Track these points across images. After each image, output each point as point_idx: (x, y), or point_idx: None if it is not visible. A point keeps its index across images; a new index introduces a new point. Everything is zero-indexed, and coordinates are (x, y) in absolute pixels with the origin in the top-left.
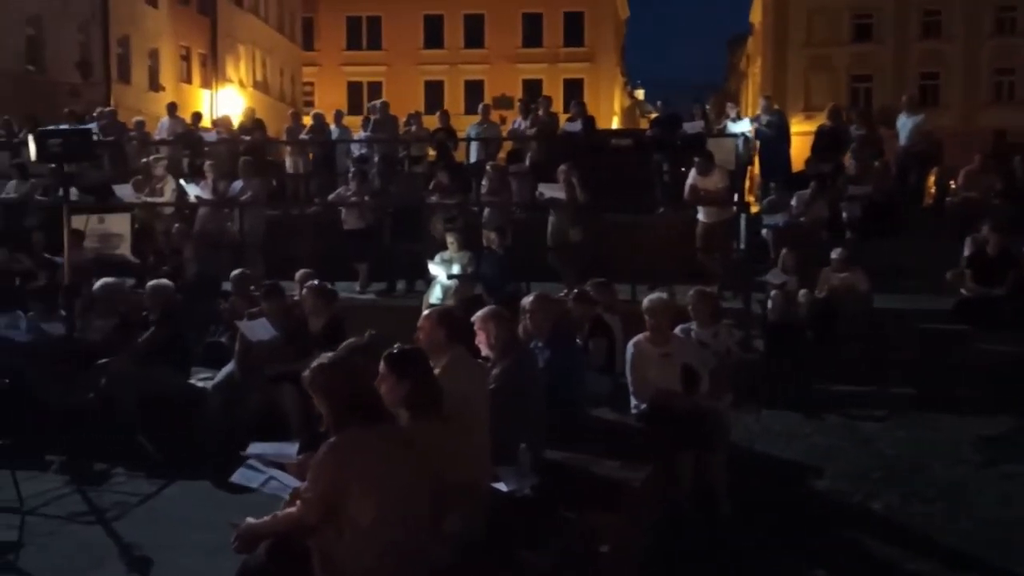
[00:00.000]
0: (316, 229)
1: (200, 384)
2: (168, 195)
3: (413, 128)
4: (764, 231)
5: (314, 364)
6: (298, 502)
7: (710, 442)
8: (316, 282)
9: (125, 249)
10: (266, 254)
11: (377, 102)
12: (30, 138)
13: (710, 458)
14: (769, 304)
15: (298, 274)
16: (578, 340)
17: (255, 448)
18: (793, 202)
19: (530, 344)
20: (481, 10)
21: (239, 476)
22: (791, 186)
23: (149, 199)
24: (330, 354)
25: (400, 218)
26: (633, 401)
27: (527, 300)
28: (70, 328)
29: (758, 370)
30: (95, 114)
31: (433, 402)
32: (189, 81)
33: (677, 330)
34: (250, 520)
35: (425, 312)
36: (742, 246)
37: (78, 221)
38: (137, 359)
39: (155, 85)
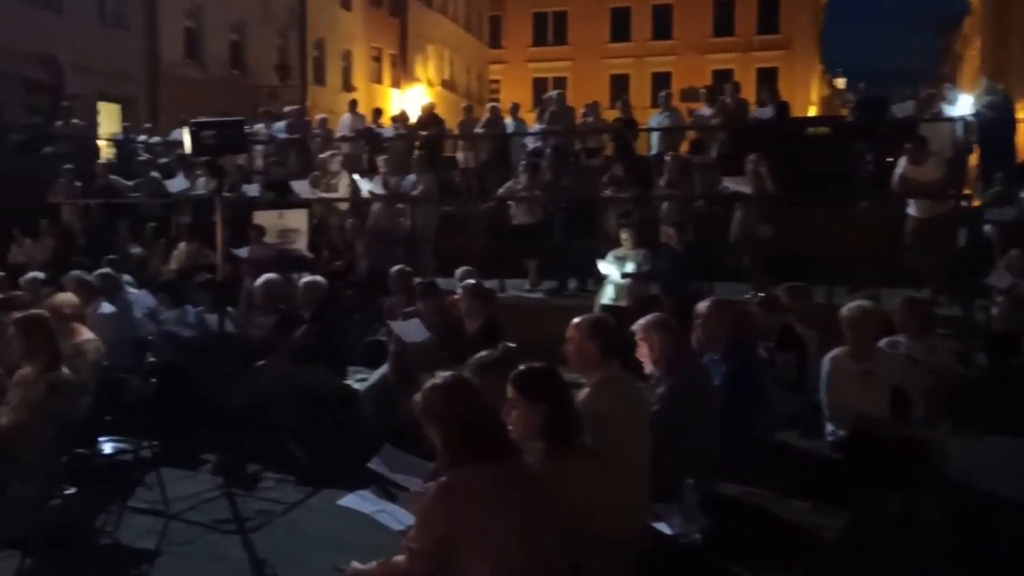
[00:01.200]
0: (487, 225)
1: (356, 385)
2: (342, 191)
3: (590, 119)
4: (988, 227)
5: (426, 385)
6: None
7: (923, 479)
8: (472, 281)
9: (302, 244)
10: (438, 250)
11: (553, 93)
12: (185, 131)
13: (922, 498)
14: (994, 311)
15: (458, 271)
16: (763, 352)
17: (383, 460)
18: (1023, 194)
19: (703, 357)
20: (669, 0)
21: (350, 501)
22: (1021, 176)
23: (324, 195)
24: (446, 373)
25: (572, 213)
26: (828, 427)
27: (702, 305)
28: (235, 324)
29: (981, 389)
30: (283, 112)
31: (574, 431)
32: (379, 81)
33: (883, 343)
34: (355, 566)
35: (575, 321)
36: (961, 244)
37: (260, 217)
38: (291, 358)
39: (348, 86)
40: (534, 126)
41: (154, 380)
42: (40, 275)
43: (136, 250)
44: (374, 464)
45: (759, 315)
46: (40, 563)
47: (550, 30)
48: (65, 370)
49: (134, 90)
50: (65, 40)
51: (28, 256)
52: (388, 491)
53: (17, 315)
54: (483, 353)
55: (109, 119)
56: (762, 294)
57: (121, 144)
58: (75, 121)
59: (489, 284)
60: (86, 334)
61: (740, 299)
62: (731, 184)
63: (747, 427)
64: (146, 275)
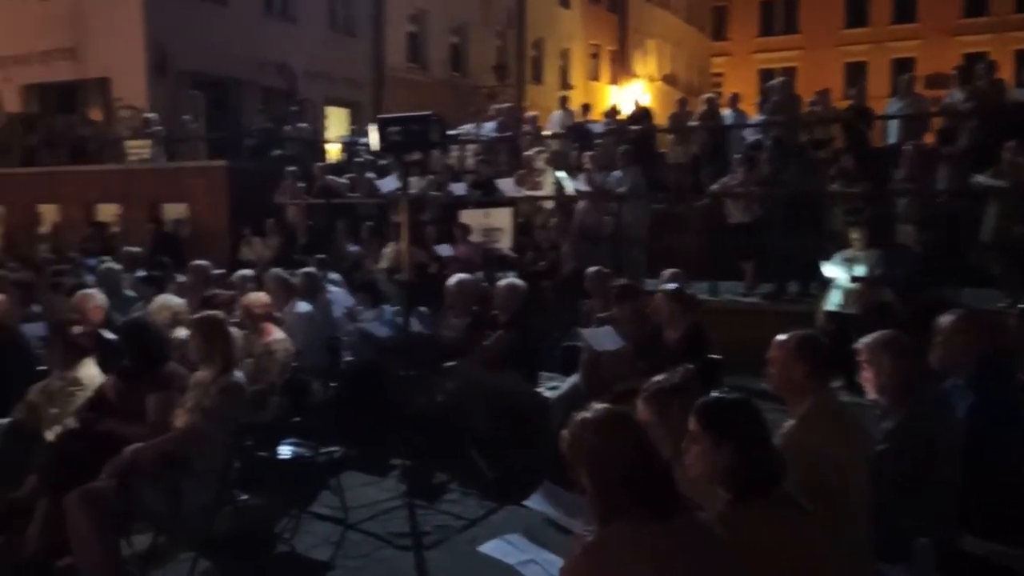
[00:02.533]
0: (701, 223)
1: (548, 394)
2: (547, 188)
3: (818, 108)
4: None
5: (577, 419)
6: None
7: None
8: (672, 285)
9: (506, 243)
10: (649, 250)
11: (776, 81)
12: (372, 127)
13: None
14: None
15: (664, 273)
16: (1022, 376)
17: (543, 497)
18: None
19: (944, 382)
20: None
21: (493, 548)
22: None
23: (529, 193)
24: (600, 405)
25: (794, 210)
26: None
27: (944, 318)
28: (428, 325)
29: None
30: (492, 110)
31: (770, 478)
32: (597, 78)
33: None
34: None
35: (779, 338)
36: None
37: (466, 216)
38: (483, 362)
39: (565, 84)
40: (754, 117)
41: (334, 384)
42: (249, 272)
43: (353, 249)
44: (532, 502)
45: (1016, 330)
46: (214, 568)
47: (779, 18)
48: (239, 373)
49: (360, 94)
50: (299, 48)
51: (256, 254)
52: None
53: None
54: (658, 377)
55: (337, 123)
56: (1022, 305)
57: (348, 146)
58: (302, 125)
59: (701, 287)
60: (276, 334)
61: (992, 309)
62: (984, 178)
63: (1001, 469)
64: (362, 274)
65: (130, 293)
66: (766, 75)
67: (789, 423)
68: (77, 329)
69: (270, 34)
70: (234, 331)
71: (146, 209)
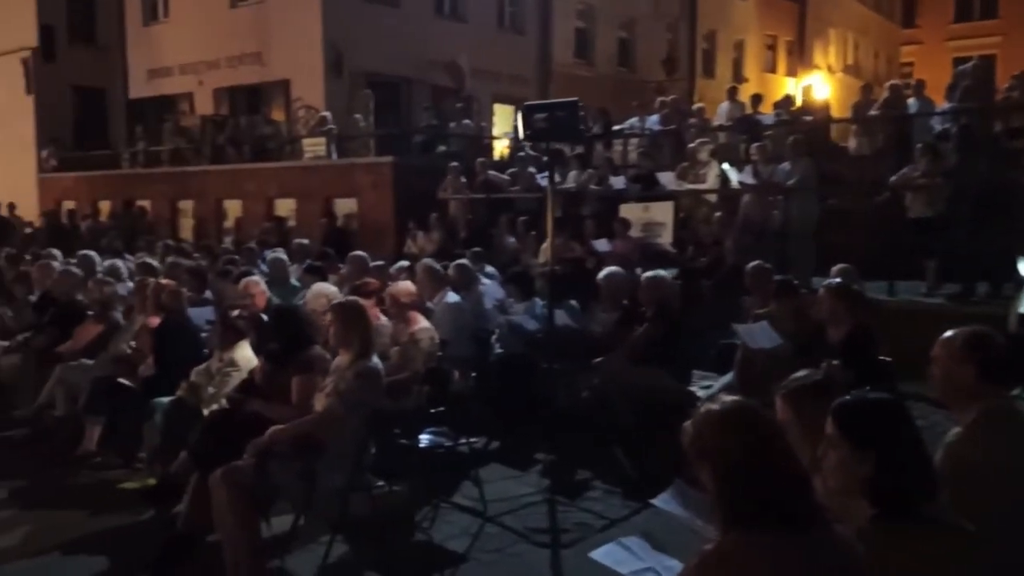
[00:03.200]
0: (879, 219)
1: (700, 392)
2: (711, 182)
3: (1015, 94)
4: None
5: (701, 410)
6: None
7: None
8: (836, 280)
9: (666, 238)
10: (819, 247)
11: (967, 64)
12: (518, 115)
13: None
14: None
15: (834, 270)
16: None
17: (673, 496)
18: None
19: None
20: None
21: (606, 554)
22: None
23: (691, 186)
24: (731, 397)
25: (984, 203)
26: None
27: None
28: (576, 319)
29: None
30: (657, 103)
31: (922, 494)
32: (773, 71)
33: None
34: None
35: (945, 336)
36: None
37: (626, 210)
38: (629, 357)
39: (738, 77)
40: (942, 105)
41: (480, 375)
42: (405, 263)
43: (511, 243)
44: (660, 501)
45: None
46: (350, 552)
47: (977, 3)
48: (376, 359)
49: (526, 91)
50: (467, 47)
51: (420, 248)
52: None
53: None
54: (799, 373)
55: (504, 120)
56: None
57: (512, 141)
58: (466, 122)
59: (878, 286)
60: (422, 323)
61: None
62: None
63: None
64: (520, 268)
65: (296, 282)
66: (961, 64)
67: (954, 431)
68: (235, 313)
69: (440, 33)
70: (382, 320)
71: (320, 204)
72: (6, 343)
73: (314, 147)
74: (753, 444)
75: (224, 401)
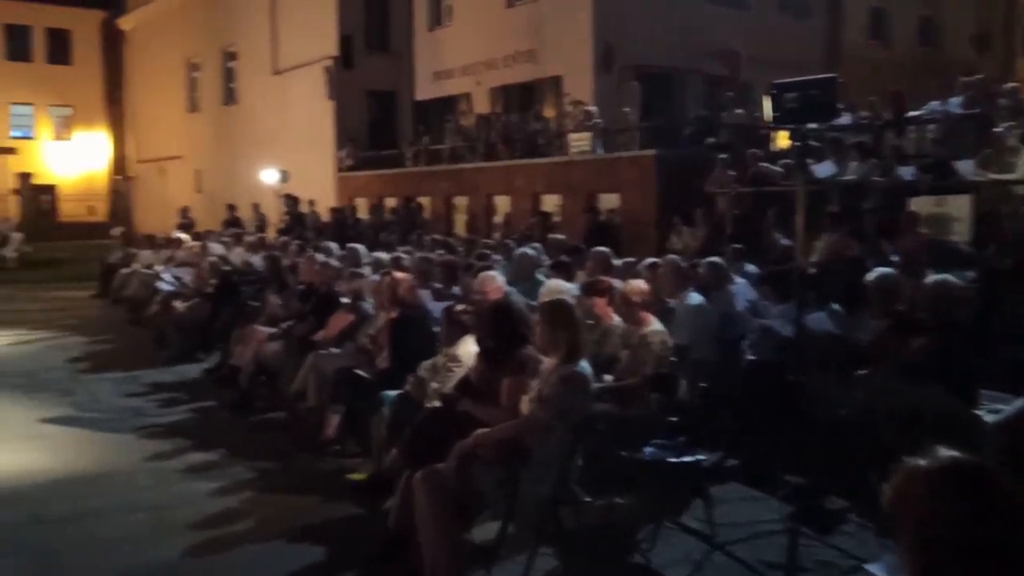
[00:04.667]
0: None
1: (987, 417)
2: (1021, 171)
3: None
4: None
5: (908, 465)
6: None
7: None
8: None
9: (962, 235)
10: None
11: None
12: (766, 97)
13: None
14: None
15: None
16: None
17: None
18: None
19: None
20: None
21: None
22: None
23: (996, 176)
24: (950, 453)
25: None
26: None
27: None
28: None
29: None
30: (960, 84)
31: None
32: None
33: None
34: None
35: None
36: None
37: (916, 203)
38: (901, 371)
39: None
40: None
41: (714, 383)
42: (651, 261)
43: (782, 240)
44: (876, 569)
45: None
46: (558, 568)
47: None
48: (584, 363)
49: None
50: (744, 33)
51: (684, 244)
52: None
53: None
54: None
55: None
56: None
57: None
58: (738, 111)
59: None
60: (654, 325)
61: None
62: None
63: None
64: (781, 268)
65: (542, 278)
66: None
67: None
68: (460, 308)
69: (715, 21)
70: (614, 320)
71: (584, 199)
72: (273, 330)
73: (579, 142)
74: (971, 517)
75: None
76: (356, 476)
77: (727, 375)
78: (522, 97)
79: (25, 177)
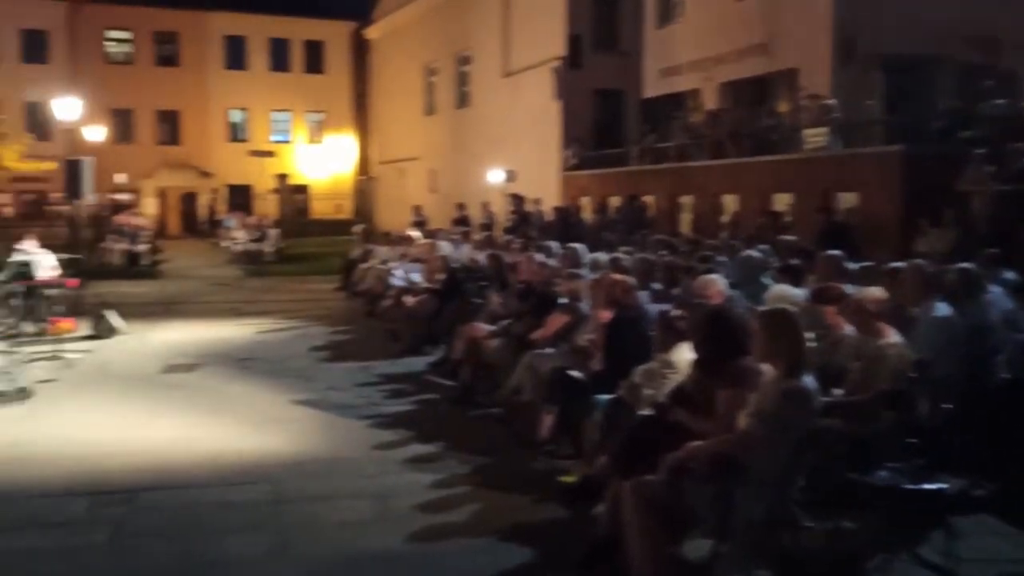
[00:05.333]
0: None
1: None
2: None
3: None
4: None
5: None
6: None
7: None
8: None
9: None
10: None
11: None
12: None
13: None
14: None
15: None
16: None
17: None
18: None
19: None
20: None
21: None
22: None
23: None
24: None
25: None
26: None
27: None
28: None
29: None
30: None
31: None
32: None
33: None
34: None
35: None
36: None
37: None
38: None
39: None
40: None
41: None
42: (897, 266)
43: None
44: None
45: None
46: None
47: None
48: (808, 378)
49: None
50: (1004, 16)
51: (930, 248)
52: None
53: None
54: None
55: None
56: None
57: None
58: (998, 102)
59: None
60: (892, 336)
61: None
62: None
63: None
64: None
65: (768, 282)
66: None
67: None
68: (676, 312)
69: (970, 3)
70: (845, 330)
71: (818, 198)
72: (493, 327)
73: (815, 138)
74: None
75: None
76: (567, 478)
77: (976, 394)
78: (753, 92)
79: (282, 178)
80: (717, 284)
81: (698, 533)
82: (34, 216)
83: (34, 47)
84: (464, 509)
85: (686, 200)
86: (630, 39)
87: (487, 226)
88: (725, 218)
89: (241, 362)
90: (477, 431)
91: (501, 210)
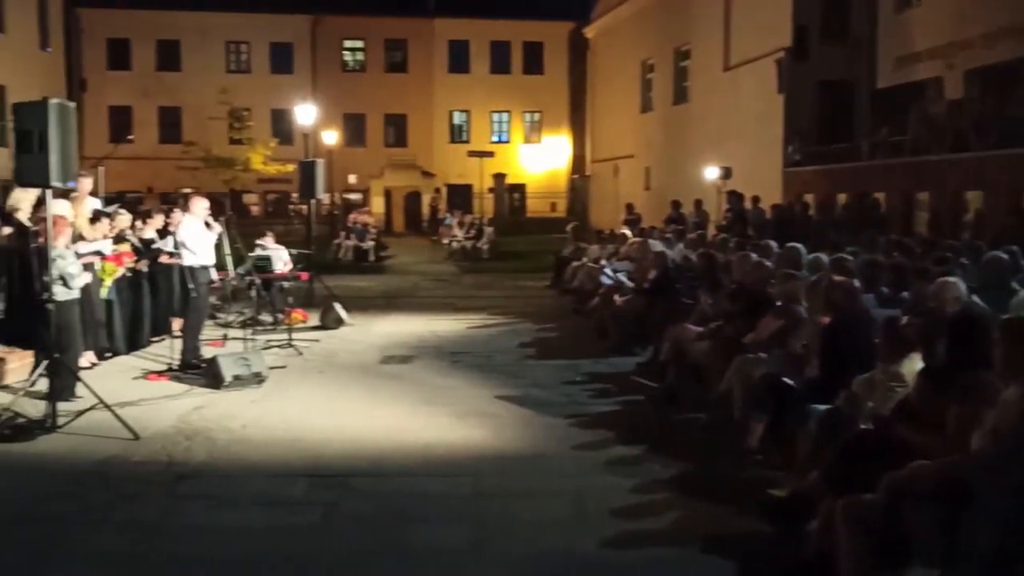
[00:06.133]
0: None
1: None
2: None
3: None
4: None
5: None
6: None
7: None
8: None
9: None
10: None
11: None
12: None
13: None
14: None
15: None
16: None
17: None
18: None
19: None
20: None
21: None
22: None
23: None
24: None
25: None
26: None
27: None
28: None
29: None
30: None
31: None
32: None
33: None
34: None
35: None
36: None
37: None
38: None
39: None
40: None
41: None
42: None
43: None
44: None
45: None
46: None
47: None
48: None
49: None
50: None
51: None
52: None
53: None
54: None
55: None
56: None
57: None
58: None
59: None
60: None
61: None
62: None
63: None
64: None
65: (1017, 287)
66: None
67: None
68: (904, 320)
69: None
70: None
71: None
72: (701, 329)
73: None
74: None
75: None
76: (776, 492)
77: None
78: (1003, 79)
79: (499, 177)
80: (955, 288)
81: (917, 562)
82: (278, 215)
83: (280, 58)
84: (663, 516)
85: (922, 197)
86: (862, 26)
87: (701, 224)
88: (968, 217)
89: (452, 355)
90: (681, 436)
91: (717, 208)
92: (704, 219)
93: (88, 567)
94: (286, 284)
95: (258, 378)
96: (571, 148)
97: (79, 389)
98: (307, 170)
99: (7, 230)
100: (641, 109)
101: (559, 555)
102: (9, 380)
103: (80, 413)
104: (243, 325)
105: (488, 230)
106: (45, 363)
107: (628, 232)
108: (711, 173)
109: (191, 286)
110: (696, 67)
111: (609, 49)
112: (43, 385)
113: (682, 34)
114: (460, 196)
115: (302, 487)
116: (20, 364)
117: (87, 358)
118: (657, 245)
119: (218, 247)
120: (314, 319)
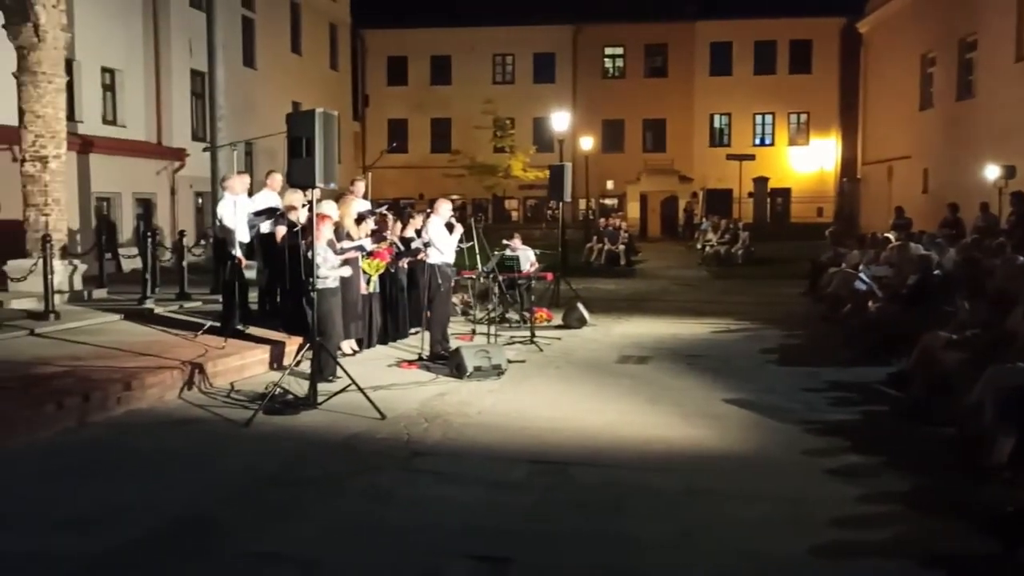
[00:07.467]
0: None
1: None
2: None
3: None
4: None
5: None
6: None
7: None
8: None
9: None
10: None
11: None
12: None
13: None
14: None
15: None
16: None
17: None
18: None
19: None
20: None
21: None
22: None
23: None
24: None
25: None
26: None
27: None
28: None
29: None
30: None
31: None
32: None
33: None
34: None
35: None
36: None
37: None
38: None
39: None
40: None
41: None
42: None
43: None
44: None
45: None
46: None
47: None
48: None
49: None
50: None
51: None
52: None
53: None
54: None
55: None
56: None
57: None
58: None
59: None
60: None
61: None
62: None
63: None
64: None
65: None
66: None
67: None
68: None
69: None
70: None
71: None
72: (954, 336)
73: None
74: None
75: None
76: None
77: None
78: None
79: (760, 181)
80: None
81: None
82: (536, 220)
83: (543, 68)
84: (885, 528)
85: None
86: None
87: (981, 229)
88: None
89: (688, 358)
90: (922, 448)
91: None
92: (993, 224)
93: (319, 525)
94: (533, 283)
95: (498, 370)
96: (840, 150)
97: (338, 371)
98: (556, 173)
99: (282, 230)
100: (920, 106)
101: (766, 557)
102: (287, 362)
103: (336, 393)
104: (491, 322)
105: (743, 235)
106: (307, 347)
107: (892, 236)
108: (992, 172)
109: (439, 282)
110: (983, 59)
111: (885, 44)
112: (307, 367)
113: (968, 24)
114: (719, 201)
115: (523, 471)
116: (296, 348)
117: (349, 345)
118: (919, 249)
119: (470, 249)
120: (558, 318)
